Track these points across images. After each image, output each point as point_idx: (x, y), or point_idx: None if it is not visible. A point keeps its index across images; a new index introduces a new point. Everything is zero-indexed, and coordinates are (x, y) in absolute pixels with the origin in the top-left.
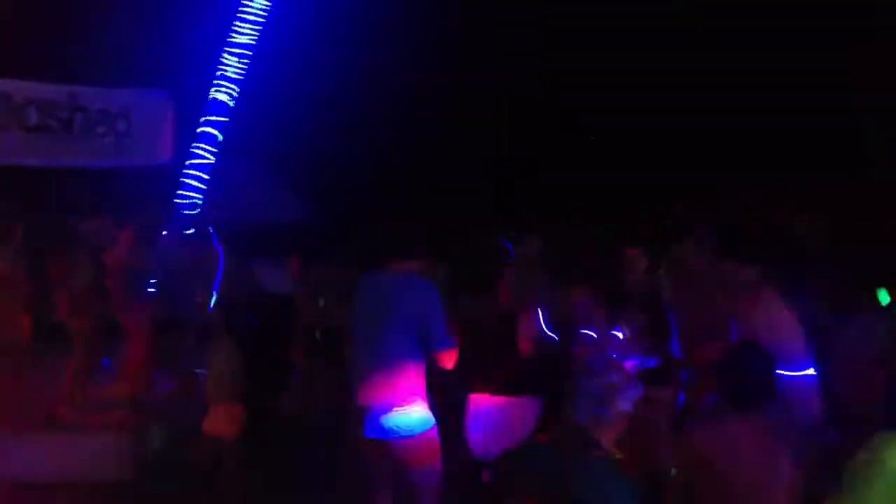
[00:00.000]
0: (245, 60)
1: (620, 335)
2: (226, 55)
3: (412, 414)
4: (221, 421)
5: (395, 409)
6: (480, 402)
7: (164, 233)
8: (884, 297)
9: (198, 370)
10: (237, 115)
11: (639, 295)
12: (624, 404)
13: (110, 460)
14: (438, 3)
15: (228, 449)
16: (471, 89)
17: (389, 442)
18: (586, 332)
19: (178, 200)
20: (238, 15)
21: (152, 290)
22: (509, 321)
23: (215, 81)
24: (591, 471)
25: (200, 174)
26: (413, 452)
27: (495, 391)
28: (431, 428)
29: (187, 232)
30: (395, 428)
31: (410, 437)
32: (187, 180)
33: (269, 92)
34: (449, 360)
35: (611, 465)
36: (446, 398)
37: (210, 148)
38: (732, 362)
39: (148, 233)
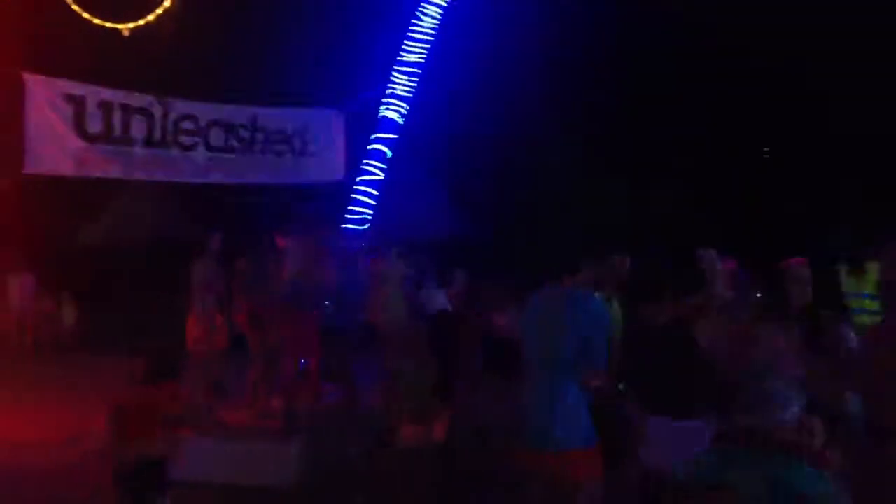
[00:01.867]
0: (414, 79)
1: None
2: (395, 74)
3: (575, 427)
4: (420, 432)
5: (559, 421)
6: (661, 424)
7: (336, 247)
8: None
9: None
10: (409, 132)
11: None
12: (784, 412)
13: (281, 467)
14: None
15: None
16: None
17: (552, 454)
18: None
19: (348, 216)
20: (407, 34)
21: (323, 302)
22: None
23: (385, 99)
24: (788, 468)
25: (371, 190)
26: (574, 466)
27: (676, 414)
28: (594, 442)
29: (357, 246)
30: (557, 441)
31: (572, 449)
32: (358, 196)
33: (442, 108)
34: (598, 378)
35: (801, 461)
36: (619, 414)
37: (380, 164)
38: None
39: (320, 247)
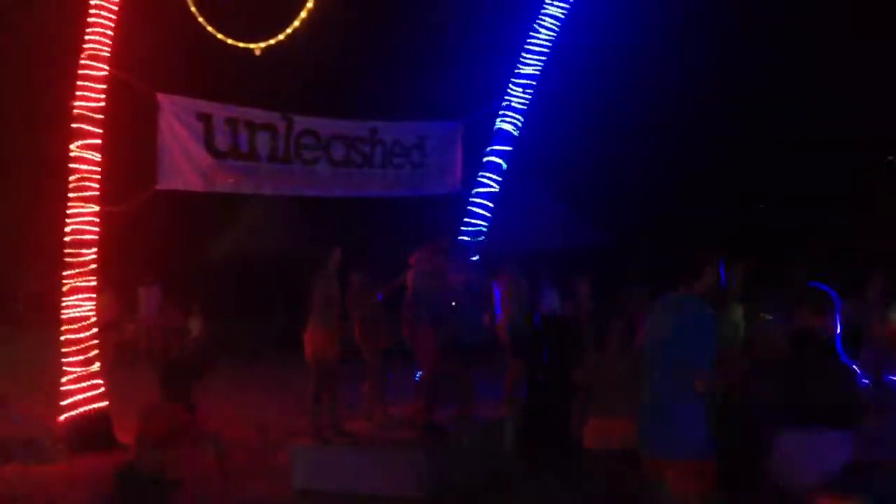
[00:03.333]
0: (530, 91)
1: None
2: (512, 86)
3: (686, 435)
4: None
5: (671, 429)
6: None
7: (456, 260)
8: None
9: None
10: (527, 144)
11: None
12: None
13: (403, 477)
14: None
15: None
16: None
17: (664, 462)
18: None
19: (465, 227)
20: (525, 47)
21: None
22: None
23: (501, 112)
24: None
25: (486, 202)
26: (681, 475)
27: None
28: (706, 453)
29: (474, 258)
30: (667, 449)
31: (681, 459)
32: (474, 208)
33: (559, 120)
34: (705, 384)
35: None
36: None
37: (495, 176)
38: None
39: (438, 258)
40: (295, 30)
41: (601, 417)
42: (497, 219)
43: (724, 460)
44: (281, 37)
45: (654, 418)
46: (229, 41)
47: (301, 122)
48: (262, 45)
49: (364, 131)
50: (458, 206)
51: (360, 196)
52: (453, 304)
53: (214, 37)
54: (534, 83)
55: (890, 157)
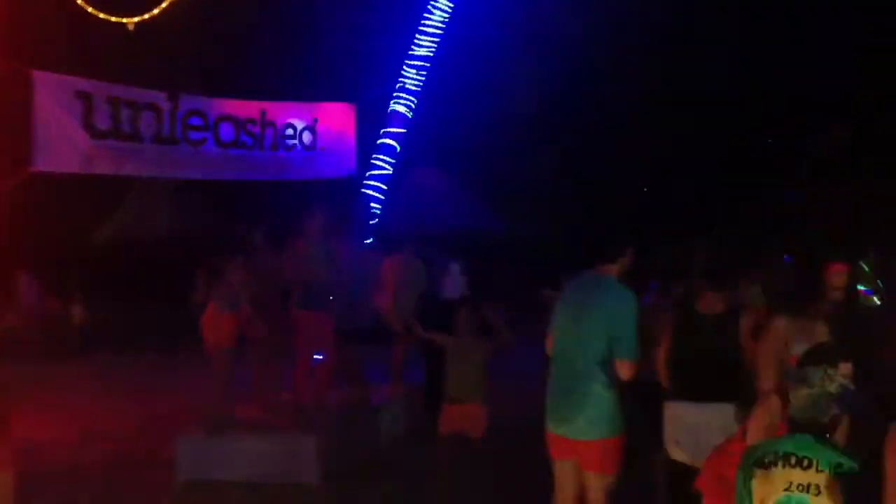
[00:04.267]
0: (424, 72)
1: None
2: (406, 68)
3: (596, 417)
4: (467, 420)
5: (584, 409)
6: (682, 408)
7: (347, 243)
8: None
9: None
10: (422, 126)
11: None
12: (835, 409)
13: (295, 463)
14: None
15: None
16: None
17: (577, 441)
18: None
19: (358, 210)
20: (419, 28)
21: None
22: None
23: (395, 94)
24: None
25: (380, 185)
26: (591, 456)
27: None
28: (617, 434)
29: (367, 241)
30: (582, 428)
31: (597, 438)
32: (367, 191)
33: (455, 102)
34: (627, 370)
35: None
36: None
37: (390, 159)
38: None
39: (330, 244)
40: (175, 5)
41: (451, 404)
42: (399, 201)
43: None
44: (155, 11)
45: (569, 399)
46: (101, 15)
47: (187, 101)
48: (136, 19)
49: (254, 112)
50: (352, 189)
51: (251, 179)
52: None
53: (87, 11)
54: (428, 65)
55: (770, 140)
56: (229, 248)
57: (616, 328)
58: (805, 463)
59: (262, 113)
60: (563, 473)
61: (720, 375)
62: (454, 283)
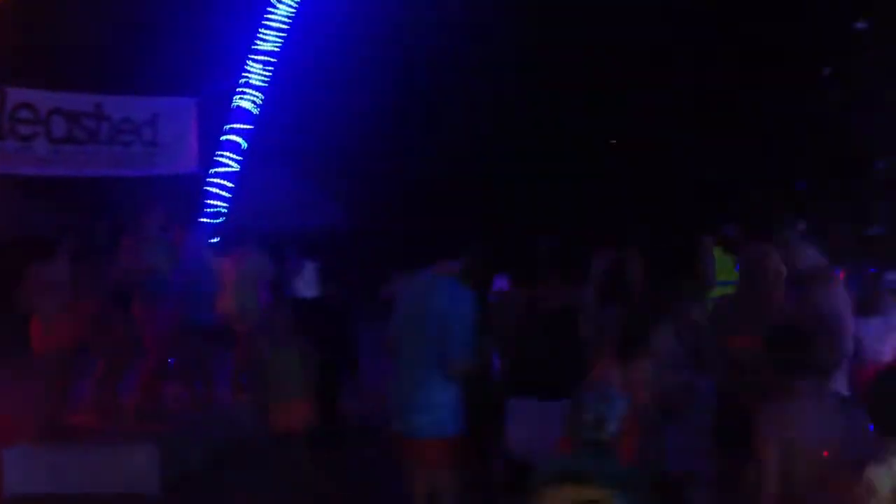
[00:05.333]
0: (270, 67)
1: None
2: (250, 62)
3: (437, 416)
4: (290, 417)
5: (422, 409)
6: (524, 405)
7: (189, 241)
8: None
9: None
10: (269, 122)
11: None
12: (612, 425)
13: (134, 472)
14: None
15: (295, 444)
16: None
17: (417, 440)
18: None
19: (202, 208)
20: (263, 22)
21: (174, 298)
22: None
23: (239, 89)
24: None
25: (225, 182)
26: (435, 454)
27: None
28: (459, 431)
29: (211, 240)
30: (421, 427)
31: (435, 437)
32: (211, 188)
33: (302, 98)
34: (462, 369)
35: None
36: (488, 401)
37: (234, 156)
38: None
39: (167, 238)
40: None
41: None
42: (246, 199)
43: (467, 433)
44: None
45: (410, 399)
46: None
47: (16, 94)
48: None
49: (88, 106)
50: (195, 186)
51: (86, 175)
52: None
53: None
54: (274, 60)
55: (612, 140)
56: (65, 246)
57: (451, 329)
58: (587, 480)
59: (98, 106)
60: (412, 471)
61: (561, 372)
62: (309, 281)
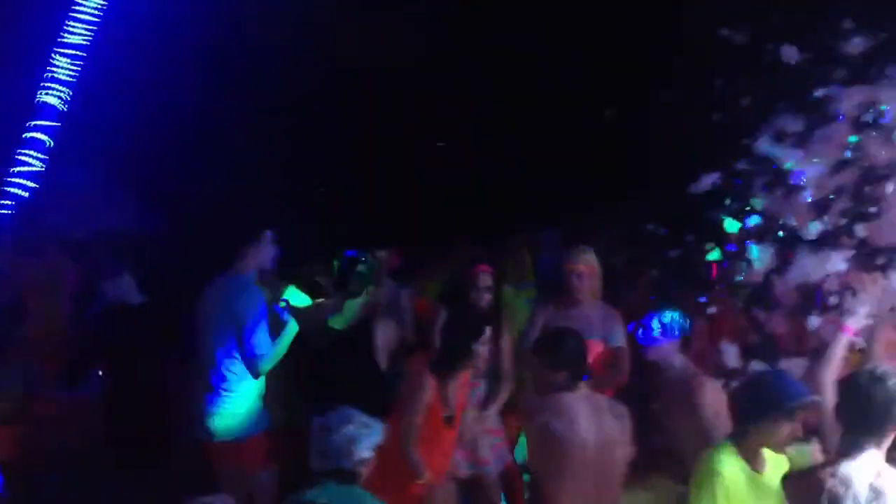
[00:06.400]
0: (78, 62)
1: None
2: (56, 56)
3: (236, 417)
4: None
5: (221, 411)
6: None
7: None
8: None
9: None
10: (77, 120)
11: None
12: (362, 452)
13: None
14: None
15: None
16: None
17: (218, 444)
18: None
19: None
20: (70, 14)
21: None
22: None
23: (44, 84)
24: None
25: (27, 182)
26: (241, 455)
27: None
28: (257, 432)
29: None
30: (220, 430)
31: (235, 440)
32: (12, 189)
33: (112, 94)
34: (253, 369)
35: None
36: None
37: (38, 154)
38: None
39: None
40: None
41: None
42: (49, 200)
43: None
44: None
45: (211, 401)
46: None
47: None
48: None
49: None
50: None
51: None
52: None
53: None
54: (83, 54)
55: (440, 143)
56: None
57: (243, 330)
58: None
59: None
60: (223, 475)
61: (357, 386)
62: (123, 289)
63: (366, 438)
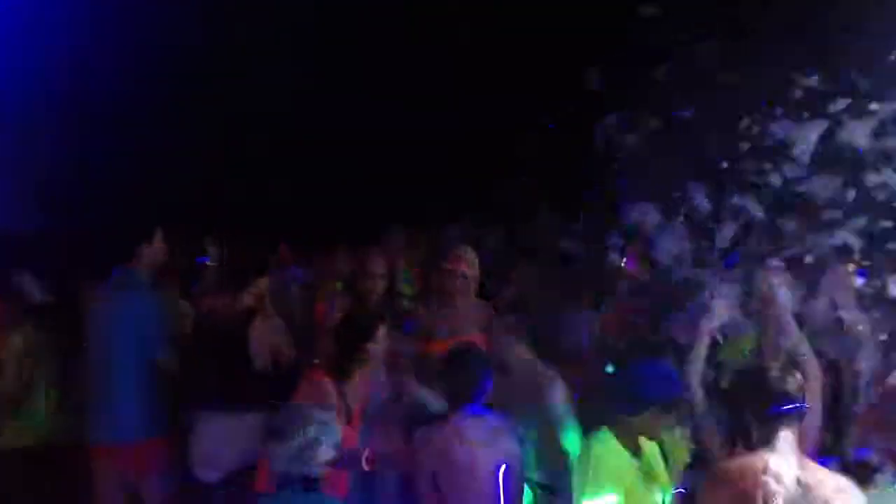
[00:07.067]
0: None
1: None
2: None
3: (136, 419)
4: None
5: (120, 415)
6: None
7: None
8: None
9: None
10: None
11: None
12: (325, 454)
13: None
14: None
15: None
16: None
17: (118, 447)
18: None
19: None
20: None
21: None
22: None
23: None
24: None
25: None
26: (138, 458)
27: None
28: (164, 433)
29: None
30: (118, 432)
31: (133, 442)
32: None
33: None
34: (149, 369)
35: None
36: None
37: None
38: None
39: None
40: None
41: None
42: None
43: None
44: None
45: (104, 405)
46: None
47: None
48: None
49: None
50: None
51: None
52: None
53: None
54: None
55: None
56: None
57: (141, 328)
58: None
59: None
60: (116, 480)
61: (245, 381)
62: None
63: (327, 438)
